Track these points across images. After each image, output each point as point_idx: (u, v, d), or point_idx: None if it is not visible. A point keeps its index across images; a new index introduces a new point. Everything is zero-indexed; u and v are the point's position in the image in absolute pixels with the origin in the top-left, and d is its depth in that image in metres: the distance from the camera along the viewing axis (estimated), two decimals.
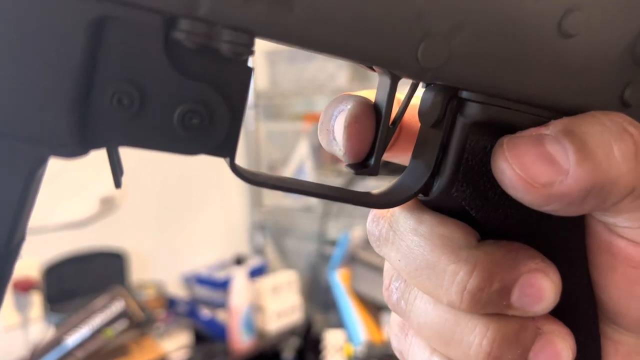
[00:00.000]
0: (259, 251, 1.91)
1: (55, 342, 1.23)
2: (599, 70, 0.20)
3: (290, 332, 1.66)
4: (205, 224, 1.75)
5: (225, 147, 0.18)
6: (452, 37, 0.18)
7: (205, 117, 0.17)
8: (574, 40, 0.19)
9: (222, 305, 1.57)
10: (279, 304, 1.64)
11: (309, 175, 1.80)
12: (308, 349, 1.65)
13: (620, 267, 0.22)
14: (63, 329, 1.25)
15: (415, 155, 0.23)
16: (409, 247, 0.22)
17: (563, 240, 0.22)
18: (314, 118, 1.80)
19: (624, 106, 0.21)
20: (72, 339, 1.23)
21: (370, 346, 1.34)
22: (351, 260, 1.55)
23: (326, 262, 1.68)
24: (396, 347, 0.26)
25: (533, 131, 0.20)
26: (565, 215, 0.20)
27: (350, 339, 1.46)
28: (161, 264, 1.64)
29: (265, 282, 1.63)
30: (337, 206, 1.73)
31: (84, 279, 1.44)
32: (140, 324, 1.36)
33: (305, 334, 1.69)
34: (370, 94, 0.24)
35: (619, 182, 0.18)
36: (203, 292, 1.66)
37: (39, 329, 1.33)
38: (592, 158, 0.18)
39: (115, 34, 0.16)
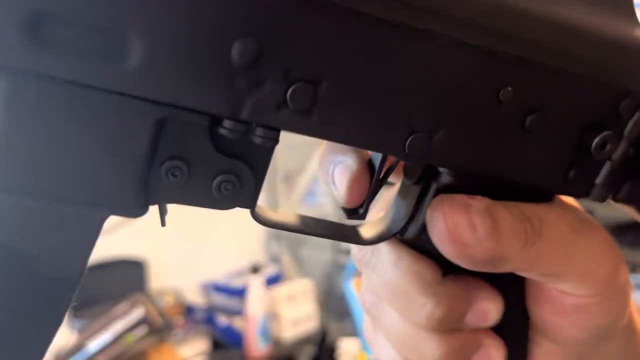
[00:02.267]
0: (275, 260, 1.94)
1: (78, 347, 1.26)
2: (550, 156, 0.25)
3: (305, 340, 1.68)
4: (222, 233, 1.78)
5: (249, 203, 0.23)
6: (433, 134, 0.23)
7: (237, 184, 0.22)
8: (533, 135, 0.24)
9: (238, 312, 1.59)
10: (295, 312, 1.66)
11: (324, 184, 1.82)
12: (323, 357, 1.66)
13: (545, 303, 0.28)
14: (85, 334, 1.28)
15: (398, 200, 0.28)
16: (388, 276, 0.27)
17: (505, 274, 0.27)
18: None
19: (567, 183, 0.26)
20: (94, 344, 1.26)
21: None
22: None
23: (341, 271, 1.69)
24: (367, 337, 0.32)
25: (463, 199, 0.25)
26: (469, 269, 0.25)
27: (365, 347, 1.47)
28: (180, 271, 1.67)
29: (281, 291, 1.65)
30: None
31: (105, 286, 1.47)
32: (159, 330, 1.39)
33: (320, 342, 1.70)
34: None
35: (508, 260, 0.25)
36: (220, 299, 1.68)
37: (63, 334, 1.36)
38: (498, 237, 0.24)
39: (172, 128, 0.21)
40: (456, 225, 0.24)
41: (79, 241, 0.21)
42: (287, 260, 1.98)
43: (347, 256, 1.69)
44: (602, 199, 0.26)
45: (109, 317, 1.31)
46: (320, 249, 1.87)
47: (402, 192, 0.28)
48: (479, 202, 0.25)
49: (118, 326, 1.30)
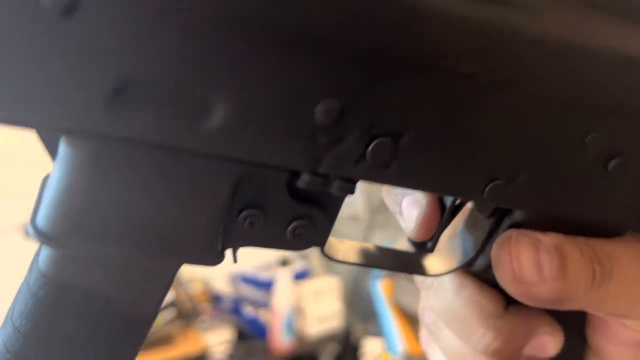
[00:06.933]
0: (303, 255, 1.95)
1: None
2: (629, 196, 0.24)
3: (329, 338, 1.68)
4: None
5: (320, 242, 0.24)
6: (513, 180, 0.22)
7: (310, 228, 0.23)
8: (614, 177, 0.23)
9: (265, 305, 1.61)
10: (320, 308, 1.66)
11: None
12: (346, 356, 1.66)
13: (605, 333, 0.28)
14: None
15: (466, 231, 0.28)
16: (448, 302, 0.28)
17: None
18: None
19: None
20: None
21: (409, 357, 1.34)
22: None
23: (369, 271, 1.69)
24: (423, 344, 0.33)
25: (533, 234, 0.25)
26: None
27: (388, 348, 1.46)
28: None
29: (308, 286, 1.66)
30: (382, 217, 1.74)
31: None
32: (187, 315, 1.42)
33: (344, 340, 1.70)
34: None
35: (573, 301, 0.25)
36: (248, 290, 1.70)
37: None
38: (565, 279, 0.24)
39: (251, 182, 0.21)
40: (521, 265, 0.24)
41: (156, 286, 0.22)
42: (315, 257, 1.99)
43: None
44: None
45: None
46: None
47: (471, 223, 0.28)
48: (549, 239, 0.24)
49: None
